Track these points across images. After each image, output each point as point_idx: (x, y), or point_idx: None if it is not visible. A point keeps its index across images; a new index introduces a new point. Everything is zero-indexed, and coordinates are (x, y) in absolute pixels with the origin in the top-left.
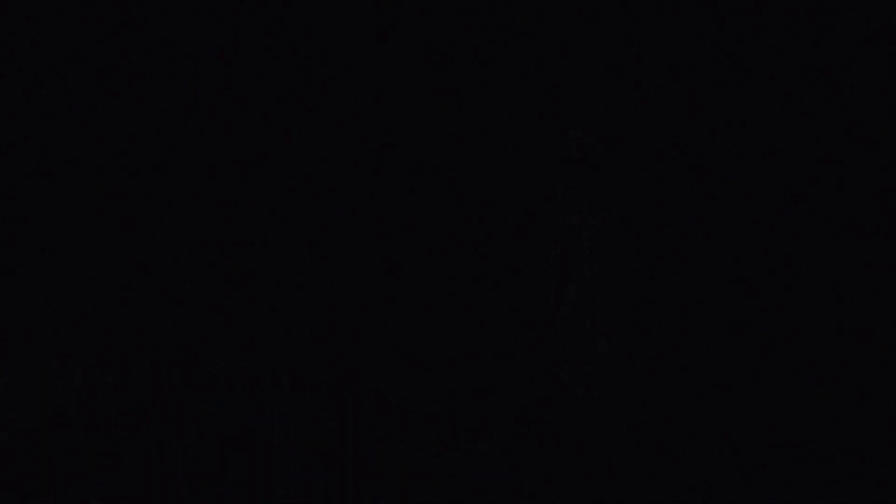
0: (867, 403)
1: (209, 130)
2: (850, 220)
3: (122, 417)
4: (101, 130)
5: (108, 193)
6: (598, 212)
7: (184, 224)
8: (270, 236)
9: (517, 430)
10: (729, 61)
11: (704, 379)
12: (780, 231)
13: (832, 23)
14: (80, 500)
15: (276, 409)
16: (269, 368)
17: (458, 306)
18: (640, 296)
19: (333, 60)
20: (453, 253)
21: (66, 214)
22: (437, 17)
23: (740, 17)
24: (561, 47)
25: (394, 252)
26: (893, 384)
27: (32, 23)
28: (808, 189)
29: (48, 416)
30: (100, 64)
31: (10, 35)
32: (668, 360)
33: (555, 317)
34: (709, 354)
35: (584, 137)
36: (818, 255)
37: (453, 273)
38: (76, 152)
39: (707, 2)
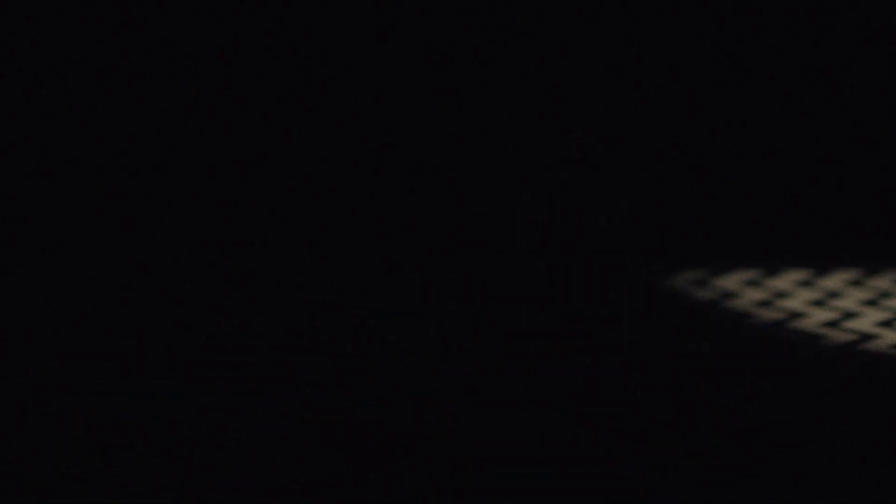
0: (867, 402)
1: (209, 130)
2: (851, 220)
3: (122, 416)
4: (101, 130)
5: (108, 193)
6: (599, 211)
7: (184, 224)
8: (270, 236)
9: (522, 428)
10: (729, 61)
11: (707, 378)
12: (780, 231)
13: (832, 23)
14: (80, 498)
15: (275, 410)
16: (269, 369)
17: (458, 306)
18: (640, 295)
19: (333, 60)
20: (453, 253)
21: (66, 214)
22: (437, 17)
23: (740, 18)
24: (561, 47)
25: (393, 252)
26: (893, 383)
27: (32, 23)
28: (809, 189)
29: (48, 416)
30: (100, 64)
31: (11, 35)
32: (669, 360)
33: (553, 314)
34: (712, 353)
35: (584, 137)
36: (819, 255)
37: (452, 273)
38: (76, 152)
39: (707, 2)
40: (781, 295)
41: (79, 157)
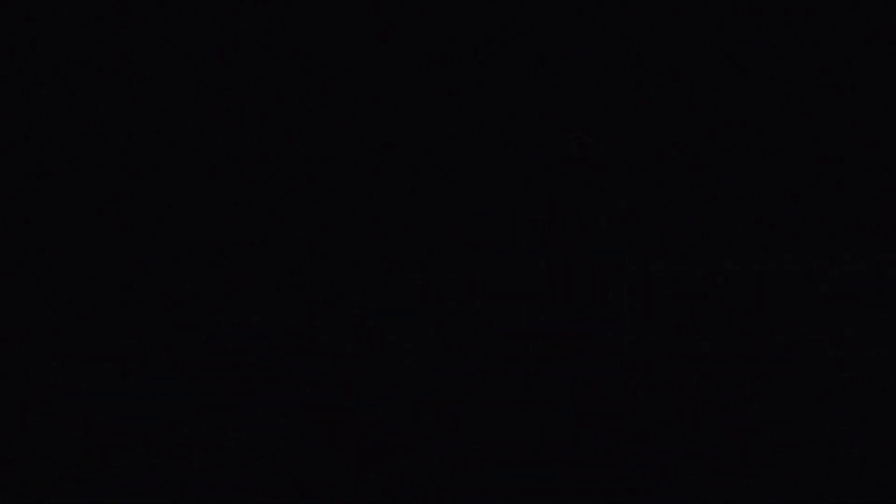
0: (867, 405)
1: (209, 130)
2: (850, 220)
3: (122, 416)
4: (101, 130)
5: (109, 193)
6: (599, 211)
7: (184, 224)
8: (270, 236)
9: (530, 426)
10: (729, 61)
11: (710, 377)
12: (780, 230)
13: (831, 23)
14: (79, 498)
15: (274, 408)
16: (269, 369)
17: (458, 306)
18: (640, 294)
19: (333, 60)
20: (453, 253)
21: (67, 214)
22: (438, 17)
23: (740, 18)
24: (561, 47)
25: (393, 252)
26: (893, 386)
27: (32, 23)
28: (809, 188)
29: (48, 416)
30: (100, 64)
31: (11, 35)
32: (667, 359)
33: (553, 314)
34: (712, 353)
35: (584, 137)
36: (819, 255)
37: (452, 273)
38: (76, 152)
39: (707, 2)
40: None
41: (79, 157)
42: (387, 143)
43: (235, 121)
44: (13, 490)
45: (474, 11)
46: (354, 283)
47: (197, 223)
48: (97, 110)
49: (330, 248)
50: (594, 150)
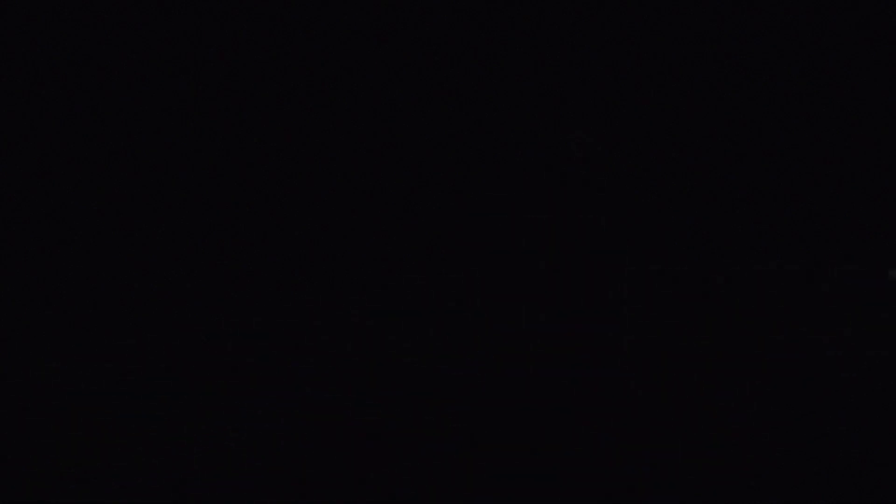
0: (867, 404)
1: (209, 130)
2: (849, 221)
3: (122, 416)
4: (101, 130)
5: (109, 193)
6: (599, 211)
7: (184, 224)
8: (270, 236)
9: (532, 424)
10: (729, 61)
11: (710, 376)
12: (779, 230)
13: (831, 23)
14: (79, 498)
15: (273, 406)
16: (269, 369)
17: (458, 306)
18: (639, 293)
19: (333, 61)
20: (453, 253)
21: (67, 214)
22: (438, 17)
23: (740, 18)
24: (561, 47)
25: (393, 252)
26: (893, 385)
27: (32, 23)
28: (810, 189)
29: (48, 416)
30: (100, 64)
31: (11, 35)
32: (667, 359)
33: (553, 314)
34: (712, 353)
35: (584, 137)
36: (818, 255)
37: (452, 273)
38: (76, 152)
39: (707, 2)
40: None
41: (79, 157)
42: (387, 142)
43: (235, 121)
44: (13, 490)
45: (474, 11)
46: (354, 283)
47: (197, 223)
48: (97, 110)
49: (330, 248)
50: (594, 150)
